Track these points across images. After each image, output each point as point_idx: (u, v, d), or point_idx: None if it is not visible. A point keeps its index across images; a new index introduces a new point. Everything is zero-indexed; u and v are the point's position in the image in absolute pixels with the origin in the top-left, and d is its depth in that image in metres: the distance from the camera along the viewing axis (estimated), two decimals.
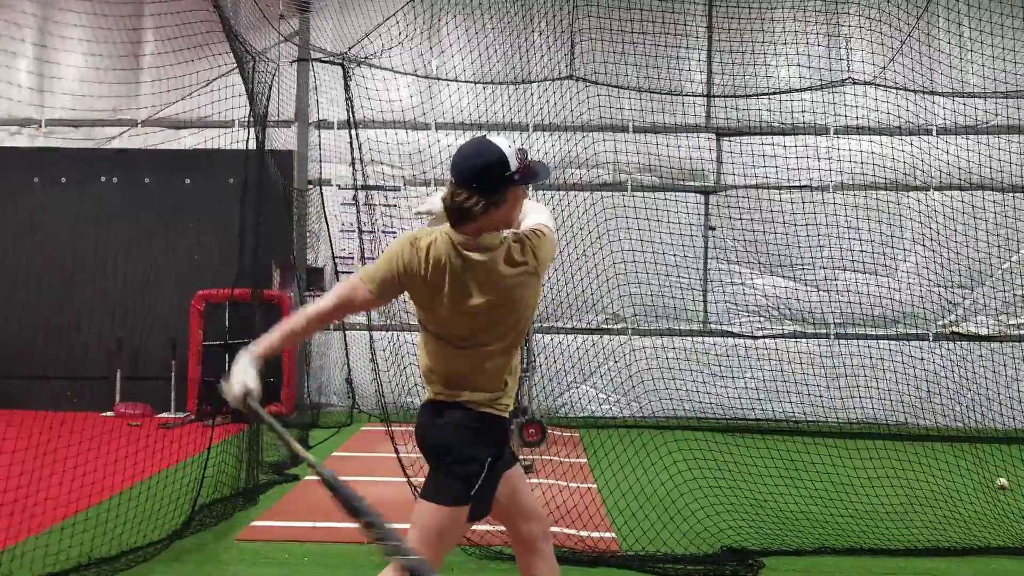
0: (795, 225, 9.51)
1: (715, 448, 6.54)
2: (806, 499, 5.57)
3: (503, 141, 2.59)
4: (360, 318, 10.19)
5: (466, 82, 9.30)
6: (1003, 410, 8.97)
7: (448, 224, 2.64)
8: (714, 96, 10.41)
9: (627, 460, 6.08)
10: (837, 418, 9.20)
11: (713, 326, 10.41)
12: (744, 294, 10.36)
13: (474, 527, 4.84)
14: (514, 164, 2.56)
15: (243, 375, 2.47)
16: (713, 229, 10.41)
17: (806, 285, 10.16)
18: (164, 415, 9.51)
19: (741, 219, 9.88)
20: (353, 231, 9.39)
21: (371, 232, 8.23)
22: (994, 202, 9.75)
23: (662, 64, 9.68)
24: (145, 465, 5.46)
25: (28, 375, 9.84)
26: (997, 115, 9.97)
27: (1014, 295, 10.06)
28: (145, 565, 4.28)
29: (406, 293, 2.66)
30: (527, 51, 9.83)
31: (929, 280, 9.80)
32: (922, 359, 9.17)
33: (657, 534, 4.90)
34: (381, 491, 5.70)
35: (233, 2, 9.09)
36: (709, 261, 10.40)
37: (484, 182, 2.53)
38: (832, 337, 10.29)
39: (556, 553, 3.02)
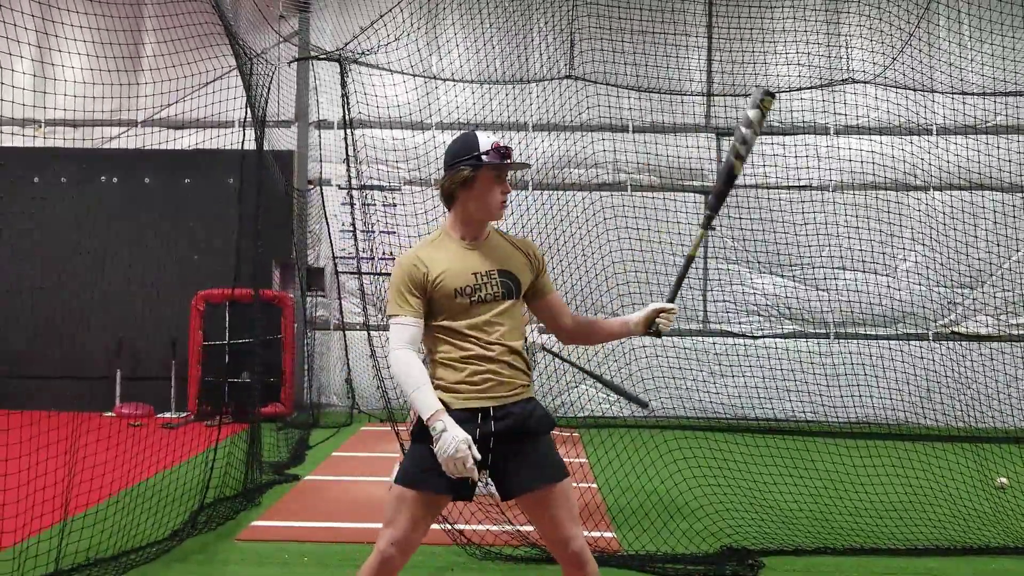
0: (795, 225, 9.51)
1: (715, 448, 6.55)
2: (806, 498, 5.57)
3: (486, 133, 2.87)
4: (359, 318, 10.20)
5: (466, 82, 9.30)
6: (1003, 409, 8.97)
7: None
8: (714, 96, 10.41)
9: (627, 459, 6.09)
10: (837, 418, 9.21)
11: (713, 326, 10.41)
12: (744, 294, 10.36)
13: (474, 528, 4.86)
14: (484, 146, 2.81)
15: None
16: (713, 229, 10.39)
17: (806, 285, 10.17)
18: (164, 415, 9.51)
19: (741, 219, 9.88)
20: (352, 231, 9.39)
21: (369, 232, 8.22)
22: (994, 202, 9.74)
23: (662, 64, 9.67)
24: (145, 465, 5.46)
25: (28, 375, 9.85)
26: (997, 115, 9.97)
27: (1014, 295, 10.06)
28: (146, 565, 4.29)
29: None
30: (527, 51, 9.83)
31: (929, 280, 9.81)
32: (922, 359, 9.16)
33: (657, 533, 4.91)
34: (381, 491, 5.70)
35: (233, 2, 9.09)
36: (709, 261, 10.40)
37: (453, 157, 2.84)
38: (832, 337, 10.29)
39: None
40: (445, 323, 2.80)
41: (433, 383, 2.77)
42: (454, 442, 2.56)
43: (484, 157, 2.80)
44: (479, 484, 2.96)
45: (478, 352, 2.77)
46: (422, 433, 2.74)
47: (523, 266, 2.91)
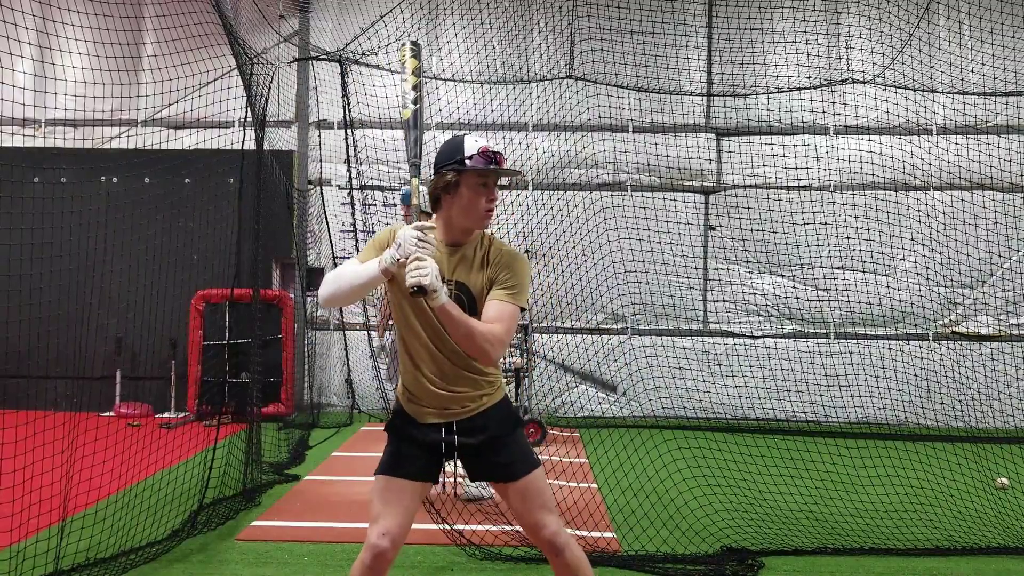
0: (795, 225, 9.51)
1: (715, 448, 6.54)
2: (806, 498, 5.57)
3: (474, 137, 2.73)
4: (359, 318, 10.20)
5: (466, 82, 9.30)
6: (1003, 409, 8.98)
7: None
8: (714, 96, 10.42)
9: (627, 459, 6.09)
10: (837, 418, 9.21)
11: (713, 326, 10.41)
12: (744, 294, 10.36)
13: (474, 528, 4.86)
14: (469, 150, 2.68)
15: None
16: (713, 229, 10.41)
17: (806, 285, 10.17)
18: (164, 415, 9.52)
19: (741, 219, 9.88)
20: (352, 231, 9.41)
21: (369, 232, 8.23)
22: (994, 202, 9.75)
23: (662, 64, 9.67)
24: (144, 465, 5.46)
25: (28, 375, 9.84)
26: (997, 115, 9.98)
27: (1014, 295, 10.06)
28: (146, 565, 4.28)
29: None
30: (527, 51, 9.83)
31: (929, 280, 9.81)
32: (922, 359, 9.17)
33: (657, 532, 4.91)
34: None
35: (233, 2, 9.09)
36: (709, 261, 10.40)
37: (439, 161, 2.73)
38: (832, 337, 10.29)
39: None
40: (405, 322, 2.79)
41: (401, 389, 2.87)
42: (405, 235, 2.53)
43: (468, 162, 2.66)
44: (470, 486, 2.96)
45: (432, 366, 2.76)
46: (394, 427, 2.88)
47: (481, 279, 2.74)
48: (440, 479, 2.95)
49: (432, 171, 2.75)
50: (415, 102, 2.77)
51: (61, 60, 5.69)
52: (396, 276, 2.68)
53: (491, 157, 2.68)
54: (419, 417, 2.81)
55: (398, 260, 2.52)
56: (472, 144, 2.69)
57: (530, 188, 10.06)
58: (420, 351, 2.77)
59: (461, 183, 2.68)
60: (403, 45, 2.83)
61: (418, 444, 2.81)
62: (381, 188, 10.30)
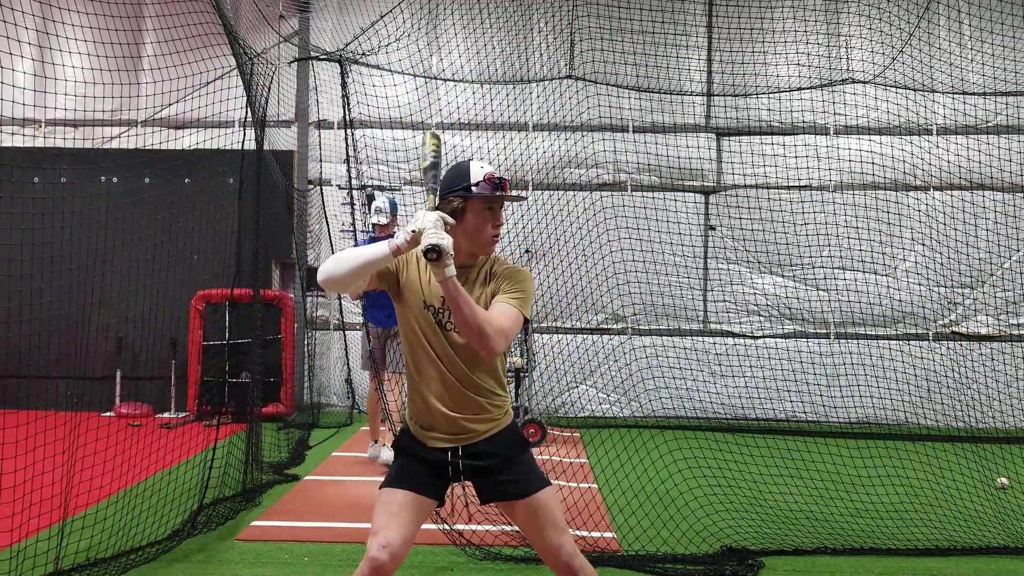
0: (795, 225, 9.51)
1: (715, 448, 6.55)
2: (806, 498, 5.58)
3: (479, 163, 2.75)
4: (359, 318, 10.20)
5: (466, 82, 9.30)
6: (1003, 409, 8.98)
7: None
8: (714, 96, 10.41)
9: (627, 459, 6.09)
10: (837, 418, 9.21)
11: (713, 326, 10.41)
12: (744, 294, 10.36)
13: (474, 528, 4.86)
14: (475, 177, 2.71)
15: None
16: (713, 229, 10.41)
17: (806, 285, 10.17)
18: (164, 415, 9.52)
19: (741, 219, 9.88)
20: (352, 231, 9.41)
21: (369, 232, 8.22)
22: (994, 202, 9.75)
23: (662, 64, 9.67)
24: (145, 465, 5.46)
25: (28, 375, 9.84)
26: (997, 115, 9.98)
27: (1014, 295, 10.06)
28: (146, 565, 4.29)
29: None
30: (527, 51, 9.83)
31: (929, 280, 9.81)
32: (922, 359, 9.17)
33: (657, 533, 4.91)
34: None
35: (233, 2, 9.09)
36: (709, 261, 10.40)
37: (445, 188, 2.75)
38: (832, 337, 10.29)
39: None
40: (415, 338, 2.78)
41: (409, 412, 2.87)
42: (425, 215, 2.51)
43: (474, 188, 2.69)
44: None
45: (440, 388, 2.75)
46: (401, 446, 2.87)
47: (485, 294, 2.75)
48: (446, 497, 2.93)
49: (439, 197, 2.74)
50: (434, 158, 2.78)
51: (61, 60, 5.68)
52: (405, 268, 2.73)
53: (496, 183, 2.70)
54: (426, 441, 2.81)
55: (412, 232, 2.49)
56: (477, 170, 2.71)
57: (530, 188, 10.06)
58: (429, 371, 2.76)
59: (467, 209, 2.70)
60: (425, 131, 2.88)
61: (426, 463, 2.80)
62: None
